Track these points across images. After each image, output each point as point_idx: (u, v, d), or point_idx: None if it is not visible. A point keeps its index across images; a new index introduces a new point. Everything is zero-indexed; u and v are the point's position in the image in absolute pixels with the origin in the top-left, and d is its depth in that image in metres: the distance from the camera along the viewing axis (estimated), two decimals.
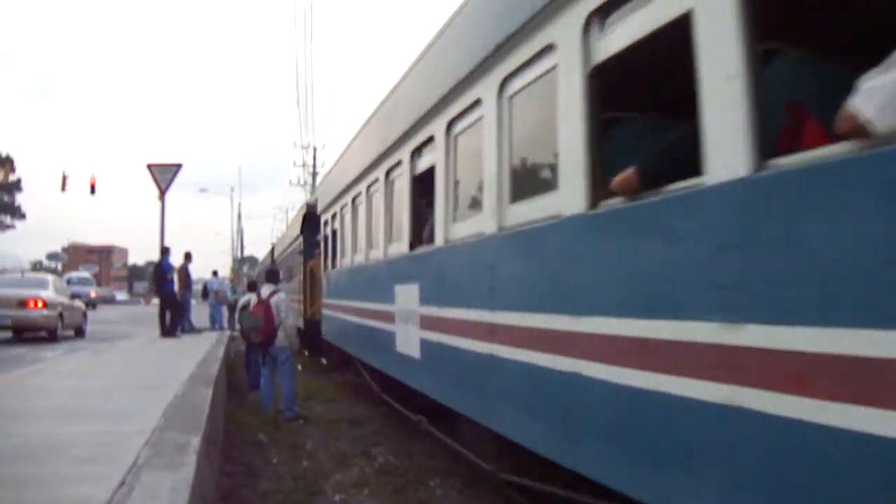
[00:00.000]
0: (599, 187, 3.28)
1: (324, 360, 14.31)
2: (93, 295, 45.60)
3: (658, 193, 2.88)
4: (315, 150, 41.90)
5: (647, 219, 2.97)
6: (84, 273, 57.89)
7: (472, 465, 5.36)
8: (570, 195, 3.49)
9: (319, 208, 13.62)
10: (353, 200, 9.51)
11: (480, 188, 4.74)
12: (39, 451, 4.55)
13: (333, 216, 11.55)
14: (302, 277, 16.03)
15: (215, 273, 24.08)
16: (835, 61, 2.70)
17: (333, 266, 11.52)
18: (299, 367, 10.92)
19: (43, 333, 17.71)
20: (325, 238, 12.73)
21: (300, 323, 14.52)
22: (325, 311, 12.27)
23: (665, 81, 3.55)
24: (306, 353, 15.20)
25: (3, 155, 70.00)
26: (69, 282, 42.19)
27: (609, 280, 3.22)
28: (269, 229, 71.89)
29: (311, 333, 14.24)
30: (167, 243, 16.94)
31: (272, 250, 21.34)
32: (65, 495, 3.60)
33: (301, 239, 16.32)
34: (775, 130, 2.52)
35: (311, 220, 14.87)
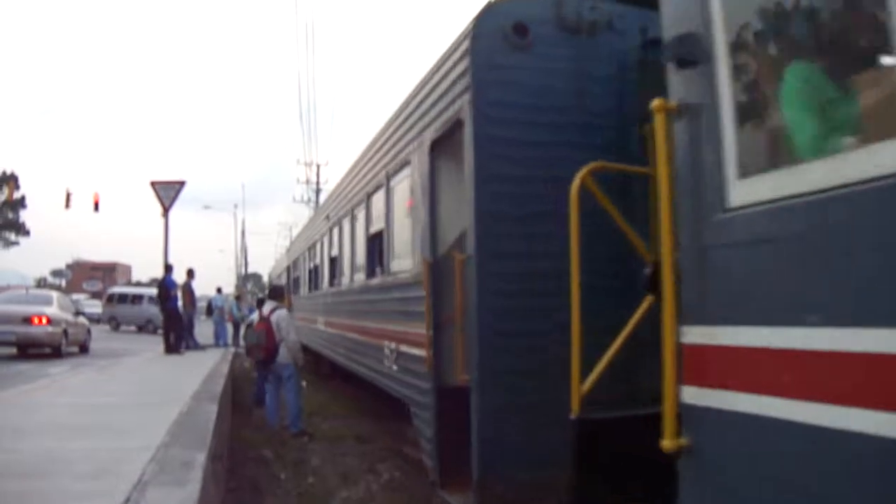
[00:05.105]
0: None
1: None
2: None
3: None
4: (318, 166, 41.99)
5: None
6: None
7: None
8: None
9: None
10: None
11: None
12: (44, 467, 4.51)
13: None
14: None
15: (219, 290, 24.12)
16: None
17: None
18: (304, 383, 10.88)
19: (47, 350, 17.71)
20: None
21: None
22: None
23: None
24: None
25: (8, 172, 70.49)
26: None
27: None
28: (273, 245, 72.00)
29: None
30: (171, 260, 16.96)
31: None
32: None
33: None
34: None
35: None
